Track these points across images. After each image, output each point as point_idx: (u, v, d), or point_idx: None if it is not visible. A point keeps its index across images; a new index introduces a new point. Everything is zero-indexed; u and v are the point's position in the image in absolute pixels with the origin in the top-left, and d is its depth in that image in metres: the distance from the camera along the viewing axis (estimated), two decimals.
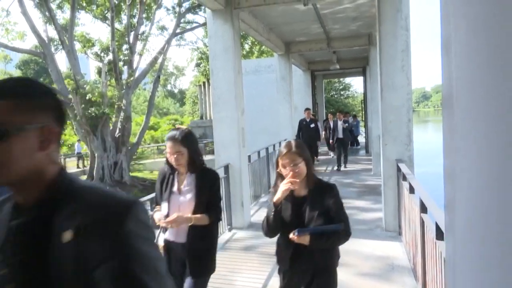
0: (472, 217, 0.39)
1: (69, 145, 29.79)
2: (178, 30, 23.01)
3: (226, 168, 6.40)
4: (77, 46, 21.23)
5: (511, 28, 0.34)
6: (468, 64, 0.39)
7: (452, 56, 0.42)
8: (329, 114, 14.58)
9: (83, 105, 18.64)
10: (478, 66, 0.38)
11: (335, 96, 43.18)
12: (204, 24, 21.83)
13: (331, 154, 14.70)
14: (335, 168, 11.89)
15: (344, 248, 5.36)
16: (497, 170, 0.35)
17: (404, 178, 4.89)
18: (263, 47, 27.21)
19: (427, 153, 25.77)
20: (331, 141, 12.56)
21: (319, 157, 13.83)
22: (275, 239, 5.82)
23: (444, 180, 0.47)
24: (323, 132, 14.54)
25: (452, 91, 0.42)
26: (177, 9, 22.43)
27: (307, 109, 12.38)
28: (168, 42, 22.04)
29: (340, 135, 12.19)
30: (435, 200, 3.36)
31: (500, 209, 0.35)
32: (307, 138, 11.43)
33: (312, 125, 11.88)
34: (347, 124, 12.42)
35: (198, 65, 34.60)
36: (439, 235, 2.79)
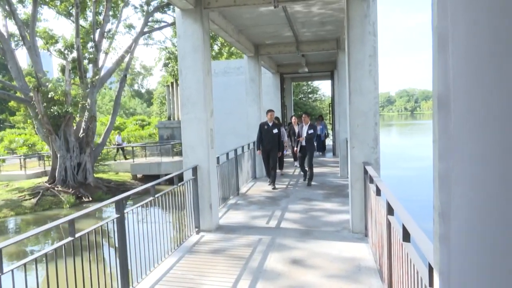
0: (470, 227, 0.37)
1: (30, 145, 28.64)
2: (146, 29, 22.60)
3: (194, 169, 6.30)
4: (40, 42, 20.45)
5: None
6: (467, 63, 0.37)
7: (450, 54, 0.40)
8: (293, 118, 12.96)
9: (45, 104, 17.95)
10: (478, 65, 0.36)
11: (303, 99, 43.61)
12: (173, 24, 21.56)
13: (296, 164, 12.81)
14: (297, 187, 9.94)
15: (311, 250, 5.43)
16: (496, 176, 0.33)
17: (371, 181, 4.96)
18: (233, 48, 27.16)
19: (391, 156, 26.45)
20: (295, 149, 10.82)
21: (283, 170, 12.00)
22: (242, 242, 5.82)
23: (439, 185, 0.45)
24: (287, 139, 12.80)
25: (449, 91, 0.40)
26: (145, 7, 22.03)
27: (269, 110, 10.13)
28: (135, 41, 21.60)
29: (303, 143, 10.14)
30: (402, 202, 3.42)
31: (499, 218, 0.33)
32: (266, 145, 9.76)
33: (275, 131, 9.85)
34: (312, 131, 10.10)
35: (166, 65, 34.09)
36: (406, 237, 2.84)
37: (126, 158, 26.08)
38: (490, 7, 0.35)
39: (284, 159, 12.46)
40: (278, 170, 10.73)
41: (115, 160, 25.78)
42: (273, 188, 9.59)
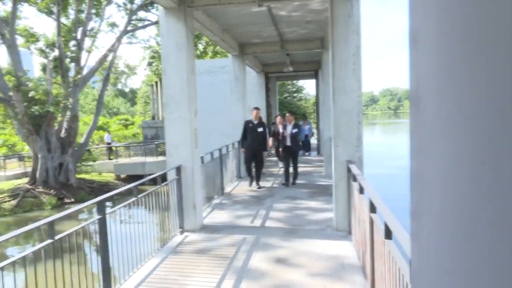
0: (439, 226, 0.36)
1: (10, 146, 28.04)
2: (129, 28, 22.35)
3: (178, 169, 6.25)
4: (20, 40, 20.05)
5: (487, 19, 0.31)
6: (438, 59, 0.36)
7: (421, 50, 0.39)
8: (277, 117, 12.19)
9: (25, 103, 17.59)
10: (448, 61, 0.35)
11: (288, 98, 43.77)
12: (157, 22, 21.36)
13: (280, 165, 12.38)
14: (282, 182, 9.88)
15: (295, 249, 5.44)
16: (468, 174, 0.33)
17: (355, 179, 5.00)
18: (217, 47, 27.08)
19: (375, 155, 26.74)
20: (280, 149, 10.32)
21: (263, 170, 11.11)
22: (227, 241, 5.79)
23: (410, 184, 0.45)
24: (270, 139, 11.93)
25: (420, 88, 0.39)
26: (128, 5, 21.80)
27: (255, 108, 9.86)
28: (118, 39, 21.36)
29: (288, 143, 9.74)
30: (384, 200, 3.45)
31: (470, 216, 0.32)
32: (252, 144, 9.43)
33: (260, 129, 9.53)
34: (296, 130, 9.82)
35: (150, 64, 33.82)
36: (388, 234, 2.86)
37: (110, 158, 25.74)
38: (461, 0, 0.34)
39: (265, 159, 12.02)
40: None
41: (110, 159, 25.37)
42: (258, 188, 9.47)
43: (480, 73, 0.32)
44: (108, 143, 27.23)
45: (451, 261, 0.34)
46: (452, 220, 0.34)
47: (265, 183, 10.21)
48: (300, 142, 11.45)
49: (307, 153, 16.80)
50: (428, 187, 0.39)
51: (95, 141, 31.52)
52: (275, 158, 13.60)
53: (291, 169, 9.89)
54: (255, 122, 9.55)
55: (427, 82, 0.38)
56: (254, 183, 9.69)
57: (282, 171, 11.93)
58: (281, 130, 11.40)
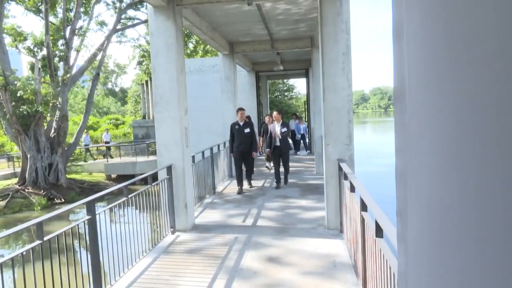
0: (425, 225, 0.35)
1: None
2: (119, 26, 22.16)
3: (169, 169, 6.22)
4: (7, 39, 19.76)
5: (472, 12, 0.30)
6: (422, 53, 0.35)
7: (404, 44, 0.38)
8: (266, 116, 12.33)
9: (13, 103, 17.36)
10: (433, 55, 0.34)
11: (279, 97, 43.84)
12: (146, 21, 21.19)
13: (268, 165, 12.38)
14: (274, 185, 9.55)
15: (287, 248, 5.45)
16: (453, 172, 0.32)
17: (346, 177, 5.01)
18: (208, 46, 26.98)
19: (366, 152, 26.88)
20: (267, 150, 9.86)
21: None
22: (218, 241, 5.78)
23: (396, 182, 0.44)
24: (260, 138, 12.37)
25: (404, 83, 0.38)
26: (117, 4, 21.61)
27: (240, 109, 9.35)
28: (108, 38, 21.15)
29: (277, 142, 9.41)
30: (375, 198, 3.46)
31: (457, 215, 0.31)
32: (239, 147, 9.09)
33: (247, 130, 9.14)
34: (285, 129, 9.43)
35: (140, 63, 33.60)
36: (379, 232, 2.87)
37: (110, 157, 25.22)
38: None
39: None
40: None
41: (111, 157, 24.74)
42: (250, 187, 9.39)
43: (466, 66, 0.31)
44: (107, 142, 26.58)
45: (439, 263, 0.34)
46: (440, 220, 0.34)
47: (256, 182, 10.20)
48: (290, 142, 11.15)
49: (298, 152, 16.72)
50: (414, 185, 0.39)
51: (91, 141, 31.24)
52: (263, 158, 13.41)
53: (281, 168, 9.58)
54: (241, 123, 9.18)
55: (412, 77, 0.38)
56: (245, 185, 9.37)
57: (269, 170, 11.94)
58: (271, 129, 11.53)
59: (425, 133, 0.35)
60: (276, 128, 9.41)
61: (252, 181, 9.74)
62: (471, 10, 0.30)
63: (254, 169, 10.62)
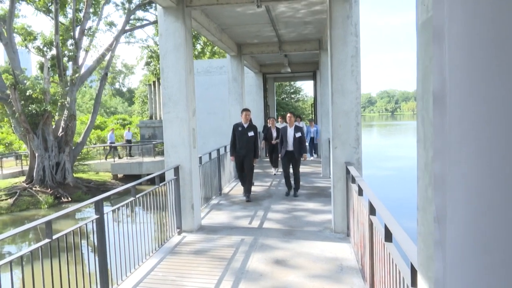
0: (466, 232, 0.35)
1: (7, 144, 27.92)
2: (127, 27, 22.29)
3: (176, 169, 6.23)
4: (17, 39, 19.95)
5: None
6: (464, 57, 0.35)
7: (446, 48, 0.38)
8: (271, 119, 11.74)
9: (22, 102, 17.51)
10: (478, 58, 0.33)
11: (286, 99, 43.79)
12: (155, 22, 21.33)
13: (274, 171, 11.91)
14: (280, 187, 9.23)
15: (294, 250, 5.43)
16: (496, 176, 0.31)
17: (353, 181, 4.99)
18: (215, 48, 27.04)
19: (372, 155, 26.77)
20: (278, 154, 9.00)
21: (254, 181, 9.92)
22: (225, 242, 5.77)
23: (434, 188, 0.43)
24: (262, 142, 11.75)
25: (445, 88, 0.38)
26: (126, 5, 21.73)
27: (244, 109, 8.61)
28: (116, 39, 21.29)
29: (290, 147, 8.54)
30: (382, 202, 3.44)
31: (499, 222, 0.30)
32: (240, 151, 8.34)
33: (251, 133, 8.36)
34: (299, 134, 8.52)
35: (148, 63, 33.71)
36: (388, 236, 2.85)
37: (130, 155, 24.91)
38: None
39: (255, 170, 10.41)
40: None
41: (131, 156, 24.27)
42: (247, 201, 8.36)
43: (509, 68, 0.30)
44: (128, 141, 25.85)
45: (481, 270, 0.33)
46: (482, 227, 0.33)
47: (263, 184, 10.19)
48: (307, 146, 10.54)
49: (315, 156, 15.73)
50: (453, 191, 0.38)
51: (92, 141, 31.39)
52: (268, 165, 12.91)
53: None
54: (245, 125, 8.38)
55: (453, 80, 0.37)
56: (245, 195, 8.55)
57: (275, 173, 11.61)
58: (274, 134, 11.10)
59: (468, 139, 0.34)
60: (289, 132, 8.55)
61: (253, 188, 9.00)
62: None
63: (260, 170, 10.46)
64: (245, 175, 8.43)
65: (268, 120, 12.72)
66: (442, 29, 0.39)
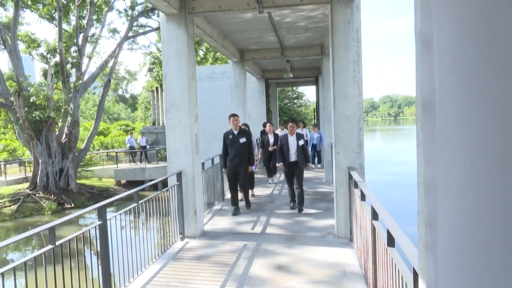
0: (456, 236, 0.35)
1: (10, 151, 28.03)
2: (130, 34, 22.43)
3: (179, 175, 6.24)
4: (21, 46, 20.11)
5: (503, 24, 0.30)
6: (453, 64, 0.35)
7: (435, 56, 0.39)
8: (268, 125, 11.05)
9: (26, 108, 17.61)
10: (464, 66, 0.34)
11: (288, 104, 43.85)
12: (158, 29, 21.44)
13: (270, 181, 11.03)
14: (283, 192, 8.72)
15: (296, 256, 5.41)
16: (484, 181, 0.32)
17: (356, 186, 4.98)
18: (218, 54, 27.14)
19: (375, 161, 26.73)
20: (280, 164, 7.88)
21: (254, 191, 9.51)
22: (227, 248, 5.75)
23: (425, 192, 0.44)
24: (259, 150, 10.79)
25: (435, 94, 0.39)
26: (129, 12, 21.88)
27: (232, 115, 7.81)
28: (119, 45, 21.42)
29: (293, 157, 7.69)
30: (384, 207, 3.44)
31: (489, 226, 0.31)
32: (233, 161, 7.64)
33: (243, 140, 7.63)
34: (302, 142, 7.76)
35: (151, 70, 33.87)
36: (390, 241, 2.85)
37: (148, 162, 24.44)
38: (475, 4, 0.33)
39: (255, 176, 9.97)
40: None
41: (148, 162, 23.75)
42: (233, 214, 7.63)
43: (500, 75, 0.31)
44: (143, 147, 24.89)
45: (471, 274, 0.33)
46: (471, 230, 0.33)
47: (265, 190, 10.18)
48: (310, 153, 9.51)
49: (319, 166, 14.35)
50: (444, 196, 0.38)
51: (96, 147, 31.45)
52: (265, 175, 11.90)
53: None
54: (235, 132, 7.67)
55: (442, 88, 0.38)
56: (234, 211, 7.73)
57: (281, 177, 10.93)
58: (271, 140, 10.45)
59: (456, 144, 0.35)
60: (291, 141, 7.74)
61: (251, 198, 8.28)
62: (506, 19, 0.30)
63: (262, 176, 10.12)
64: (240, 187, 7.86)
65: (265, 125, 11.83)
66: (431, 37, 0.40)
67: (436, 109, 0.38)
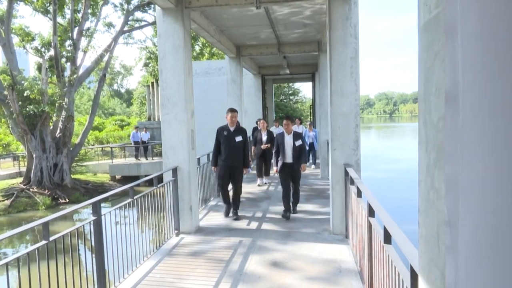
0: (480, 236, 0.33)
1: (4, 145, 27.82)
2: (126, 28, 22.27)
3: (175, 171, 6.21)
4: (15, 39, 19.92)
5: None
6: (480, 53, 0.33)
7: (459, 44, 0.36)
8: (261, 121, 10.47)
9: (20, 103, 17.46)
10: (493, 56, 0.32)
11: (285, 100, 43.82)
12: (154, 23, 21.29)
13: (259, 181, 10.33)
14: (279, 188, 8.22)
15: (292, 252, 5.41)
16: (510, 180, 0.30)
17: (352, 182, 4.98)
18: (214, 49, 27.04)
19: (370, 158, 26.79)
20: (275, 168, 7.32)
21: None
22: (223, 244, 5.74)
23: (445, 191, 0.42)
24: (252, 148, 10.25)
25: (458, 85, 0.36)
26: (125, 6, 21.71)
27: (230, 110, 7.13)
28: (115, 39, 21.27)
29: (289, 159, 7.04)
30: (381, 204, 3.43)
31: None
32: (227, 160, 6.96)
33: (239, 138, 7.01)
34: (300, 142, 7.09)
35: (146, 64, 33.72)
36: (387, 238, 2.84)
37: (146, 158, 23.88)
38: None
39: (250, 172, 9.51)
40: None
41: (146, 159, 23.09)
42: (235, 218, 7.03)
43: None
44: (144, 142, 24.12)
45: (492, 277, 0.31)
46: (496, 232, 0.31)
47: (260, 187, 10.17)
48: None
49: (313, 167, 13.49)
50: (467, 195, 0.36)
51: (90, 142, 31.30)
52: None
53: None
54: (231, 128, 7.02)
55: (467, 78, 0.36)
56: (231, 212, 7.24)
57: (259, 184, 10.12)
58: (264, 137, 9.78)
59: (483, 139, 0.33)
60: (287, 141, 7.08)
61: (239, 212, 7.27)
62: None
63: (255, 172, 9.74)
64: (231, 189, 7.25)
65: (258, 122, 11.22)
66: (455, 25, 0.37)
67: (460, 101, 0.36)
